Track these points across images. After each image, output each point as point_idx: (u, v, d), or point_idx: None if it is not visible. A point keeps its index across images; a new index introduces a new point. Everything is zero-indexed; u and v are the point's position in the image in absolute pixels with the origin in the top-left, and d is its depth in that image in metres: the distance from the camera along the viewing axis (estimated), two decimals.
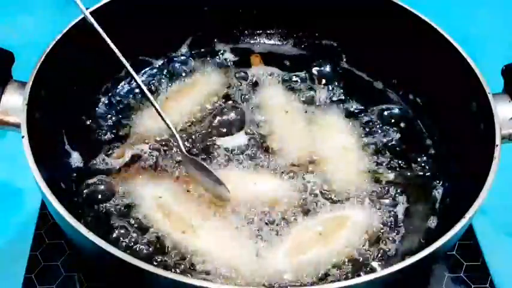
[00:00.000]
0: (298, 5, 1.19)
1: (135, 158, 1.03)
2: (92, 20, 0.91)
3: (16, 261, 1.00)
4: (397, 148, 1.07)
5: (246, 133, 1.07)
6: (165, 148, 1.04)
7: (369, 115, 1.12)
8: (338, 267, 0.89)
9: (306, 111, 1.12)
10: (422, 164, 1.05)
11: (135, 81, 0.97)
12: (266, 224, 0.94)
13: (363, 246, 0.92)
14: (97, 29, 0.91)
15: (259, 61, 1.21)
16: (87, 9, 1.03)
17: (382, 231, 0.95)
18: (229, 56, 1.22)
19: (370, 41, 1.16)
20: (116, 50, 0.93)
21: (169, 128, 0.97)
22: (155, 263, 0.88)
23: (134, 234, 0.92)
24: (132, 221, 0.93)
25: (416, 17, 1.06)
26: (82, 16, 1.01)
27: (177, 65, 1.20)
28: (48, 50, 0.94)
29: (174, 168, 1.01)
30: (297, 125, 1.09)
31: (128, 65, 0.94)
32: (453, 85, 1.02)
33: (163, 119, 0.97)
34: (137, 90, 1.14)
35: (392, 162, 1.04)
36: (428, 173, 1.04)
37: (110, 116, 1.10)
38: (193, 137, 1.06)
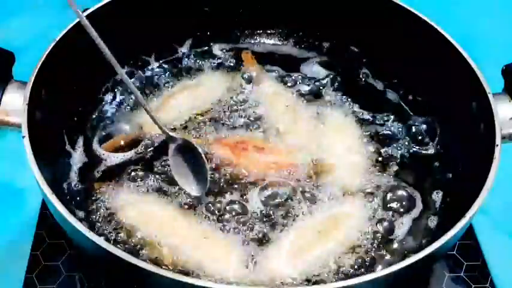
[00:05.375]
0: (299, 5, 1.19)
1: (136, 158, 1.03)
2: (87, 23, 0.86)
3: (17, 261, 1.00)
4: (397, 148, 1.07)
5: (247, 130, 1.08)
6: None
7: (369, 115, 1.12)
8: (337, 266, 0.89)
9: (308, 109, 1.12)
10: (422, 164, 1.05)
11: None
12: (265, 222, 0.94)
13: (363, 245, 0.92)
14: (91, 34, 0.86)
15: (250, 57, 1.22)
16: (87, 9, 1.04)
17: (381, 230, 0.95)
18: (230, 56, 1.22)
19: (370, 41, 1.16)
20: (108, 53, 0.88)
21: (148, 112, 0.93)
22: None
23: (127, 237, 0.92)
24: (133, 221, 0.94)
25: (416, 17, 1.06)
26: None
27: (177, 64, 1.20)
28: (48, 50, 0.95)
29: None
30: (299, 122, 1.09)
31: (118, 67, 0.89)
32: (453, 85, 1.02)
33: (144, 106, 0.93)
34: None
35: (392, 161, 1.04)
36: (429, 173, 1.04)
37: (111, 115, 1.10)
38: (193, 134, 1.06)
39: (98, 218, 0.94)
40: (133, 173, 1.00)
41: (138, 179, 0.99)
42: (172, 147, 0.96)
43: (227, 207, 0.95)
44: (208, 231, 0.92)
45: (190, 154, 0.95)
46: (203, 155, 0.94)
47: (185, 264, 0.88)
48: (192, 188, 0.95)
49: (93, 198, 0.97)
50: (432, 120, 1.10)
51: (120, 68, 0.89)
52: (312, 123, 1.10)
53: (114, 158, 1.03)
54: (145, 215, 0.94)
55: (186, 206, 0.95)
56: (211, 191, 0.97)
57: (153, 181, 0.99)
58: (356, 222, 0.95)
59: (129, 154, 1.03)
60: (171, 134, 0.95)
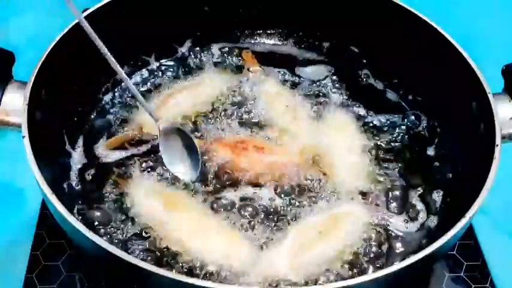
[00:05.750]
0: (299, 5, 1.19)
1: (135, 157, 1.03)
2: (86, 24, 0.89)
3: (17, 261, 1.00)
4: (398, 148, 1.07)
5: (247, 129, 1.08)
6: None
7: (369, 115, 1.12)
8: (338, 266, 0.89)
9: (308, 109, 1.12)
10: (422, 164, 1.05)
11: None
12: (266, 222, 0.94)
13: (362, 244, 0.92)
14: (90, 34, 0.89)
15: (251, 57, 1.22)
16: (87, 9, 1.04)
17: (381, 230, 0.95)
18: (230, 56, 1.22)
19: (370, 41, 1.16)
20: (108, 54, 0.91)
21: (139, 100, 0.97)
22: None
23: (133, 234, 0.92)
24: (135, 220, 0.94)
25: (417, 17, 1.06)
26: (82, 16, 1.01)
27: (177, 64, 1.20)
28: (48, 50, 0.95)
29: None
30: (299, 121, 1.09)
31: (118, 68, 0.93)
32: (453, 85, 1.02)
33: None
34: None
35: (392, 161, 1.04)
36: (429, 173, 1.04)
37: (110, 115, 1.10)
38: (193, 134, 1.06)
39: (98, 217, 0.94)
40: (135, 171, 1.00)
41: (142, 176, 1.00)
42: (162, 133, 0.98)
43: (225, 207, 0.96)
44: (207, 229, 0.93)
45: (181, 140, 0.98)
46: (195, 141, 0.97)
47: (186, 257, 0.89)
48: (184, 174, 0.97)
49: (94, 197, 0.97)
50: (432, 120, 1.10)
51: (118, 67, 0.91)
52: (312, 123, 1.10)
53: (113, 156, 1.03)
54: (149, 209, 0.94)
55: (183, 206, 0.96)
56: (209, 191, 0.98)
57: (156, 179, 0.99)
58: (356, 222, 0.95)
59: (130, 153, 1.03)
60: (161, 122, 0.98)
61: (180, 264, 0.88)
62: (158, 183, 0.99)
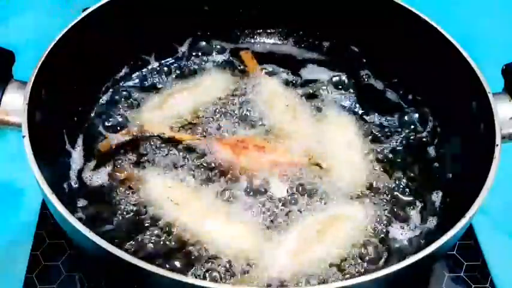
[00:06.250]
0: (299, 5, 1.19)
1: (136, 156, 1.03)
2: None
3: (17, 261, 1.00)
4: (398, 148, 1.07)
5: (247, 129, 1.08)
6: (167, 145, 1.04)
7: (369, 115, 1.12)
8: (337, 266, 0.89)
9: (308, 109, 1.12)
10: (423, 164, 1.05)
11: None
12: (265, 221, 0.94)
13: (362, 245, 0.92)
14: None
15: (250, 57, 1.21)
16: (86, 9, 1.04)
17: (381, 230, 0.95)
18: (229, 56, 1.22)
19: (370, 41, 1.16)
20: None
21: None
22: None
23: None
24: (139, 220, 0.94)
25: (417, 16, 1.06)
26: (82, 16, 1.01)
27: (177, 64, 1.20)
28: (48, 50, 0.94)
29: (177, 160, 1.02)
30: (299, 121, 1.09)
31: None
32: (453, 85, 1.02)
33: None
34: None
35: (392, 161, 1.04)
36: (429, 173, 1.04)
37: (111, 115, 1.10)
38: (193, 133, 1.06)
39: (98, 217, 0.94)
40: (139, 170, 1.01)
41: (143, 175, 1.00)
42: None
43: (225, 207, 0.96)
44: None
45: None
46: None
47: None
48: None
49: (94, 197, 0.97)
50: (432, 120, 1.10)
51: None
52: (312, 122, 1.10)
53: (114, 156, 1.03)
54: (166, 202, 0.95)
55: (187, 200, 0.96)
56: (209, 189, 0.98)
57: (160, 174, 1.00)
58: (355, 222, 0.95)
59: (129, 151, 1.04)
60: None
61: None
62: (164, 177, 0.99)
